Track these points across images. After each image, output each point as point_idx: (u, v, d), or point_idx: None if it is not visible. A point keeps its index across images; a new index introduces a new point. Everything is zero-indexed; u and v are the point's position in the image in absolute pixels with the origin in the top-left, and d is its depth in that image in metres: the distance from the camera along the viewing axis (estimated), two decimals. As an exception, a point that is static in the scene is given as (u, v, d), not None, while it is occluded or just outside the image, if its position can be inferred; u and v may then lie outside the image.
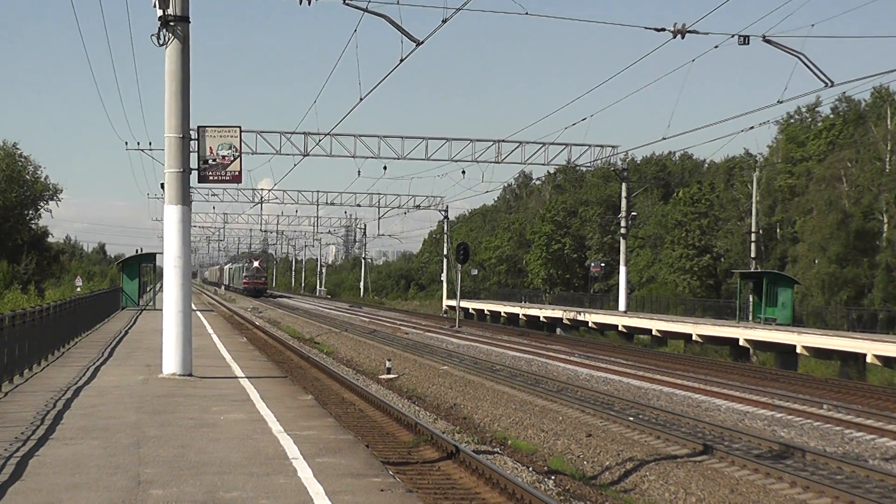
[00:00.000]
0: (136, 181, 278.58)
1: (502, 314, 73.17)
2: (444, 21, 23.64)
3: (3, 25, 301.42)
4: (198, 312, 49.82)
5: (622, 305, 58.89)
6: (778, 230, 71.52)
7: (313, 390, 25.10)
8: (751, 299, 52.30)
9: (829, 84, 29.90)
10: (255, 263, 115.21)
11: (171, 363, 19.04)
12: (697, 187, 79.20)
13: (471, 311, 78.81)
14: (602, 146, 57.46)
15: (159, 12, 18.53)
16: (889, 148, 61.62)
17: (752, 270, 56.81)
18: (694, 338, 47.37)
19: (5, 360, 17.36)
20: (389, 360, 33.99)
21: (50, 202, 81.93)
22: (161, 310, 19.72)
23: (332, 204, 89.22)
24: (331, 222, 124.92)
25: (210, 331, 36.54)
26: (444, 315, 78.89)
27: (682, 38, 30.45)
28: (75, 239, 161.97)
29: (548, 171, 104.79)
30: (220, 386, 18.39)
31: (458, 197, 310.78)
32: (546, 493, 13.92)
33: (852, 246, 59.89)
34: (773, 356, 42.94)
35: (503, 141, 56.21)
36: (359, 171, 61.98)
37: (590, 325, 58.21)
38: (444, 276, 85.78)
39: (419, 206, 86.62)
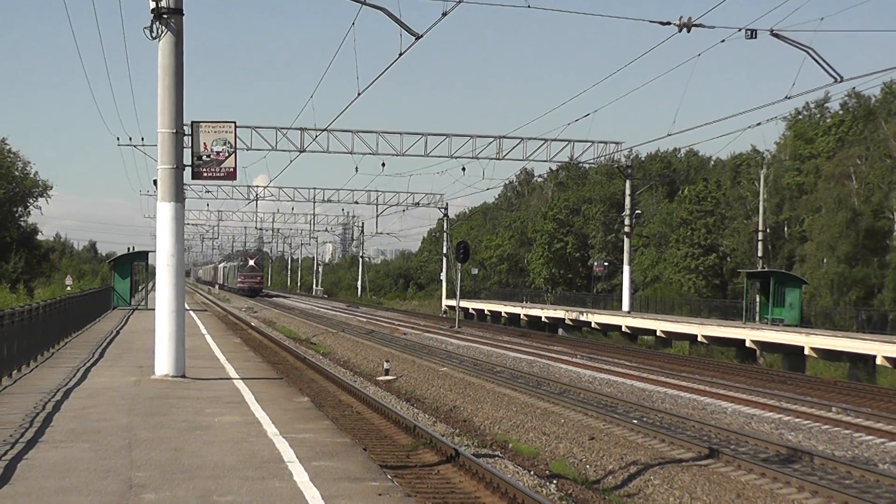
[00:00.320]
0: (128, 178, 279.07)
1: (503, 314, 73.15)
2: (444, 14, 23.66)
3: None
4: (191, 312, 49.81)
5: (626, 306, 58.89)
6: (786, 229, 71.55)
7: (309, 392, 25.10)
8: (758, 299, 52.28)
9: (839, 79, 29.91)
10: (251, 262, 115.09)
11: (163, 364, 19.03)
12: (703, 185, 79.22)
13: (471, 311, 78.80)
14: (606, 142, 57.53)
15: (152, 4, 18.52)
16: (899, 145, 61.64)
17: (759, 270, 56.78)
18: (699, 339, 47.35)
19: (-6, 361, 17.35)
20: (387, 361, 33.99)
21: (39, 199, 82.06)
22: (153, 309, 19.71)
23: (329, 201, 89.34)
24: (328, 220, 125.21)
25: (204, 331, 36.54)
26: (444, 315, 78.88)
27: (688, 31, 30.45)
28: (65, 237, 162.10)
29: (550, 168, 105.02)
30: (214, 387, 18.38)
31: (458, 194, 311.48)
32: (548, 498, 13.92)
33: (862, 245, 59.89)
34: (780, 358, 42.93)
35: (504, 137, 56.25)
36: (356, 168, 61.87)
37: (593, 325, 58.20)
38: (443, 276, 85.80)
39: (418, 203, 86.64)
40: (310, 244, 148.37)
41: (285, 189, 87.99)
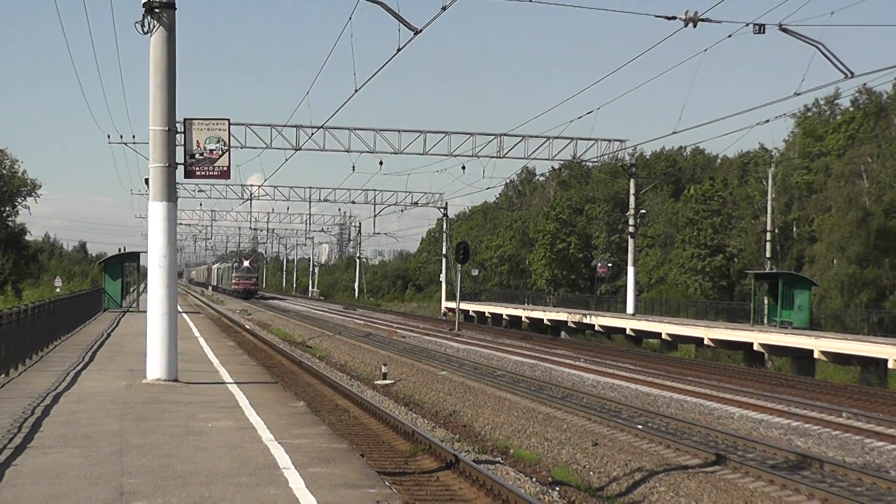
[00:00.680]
0: (118, 176, 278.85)
1: (504, 317, 73.16)
2: (444, 8, 23.65)
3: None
4: (184, 315, 49.83)
5: (630, 308, 58.89)
6: (794, 229, 71.57)
7: (305, 396, 25.11)
8: (766, 301, 52.30)
9: (849, 75, 29.91)
10: (246, 263, 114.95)
11: (155, 368, 19.04)
12: (710, 184, 79.25)
13: (471, 313, 78.80)
14: (609, 140, 57.50)
15: (144, -2, 18.54)
16: (911, 142, 61.68)
17: (767, 271, 56.80)
18: (706, 342, 47.35)
19: (-19, 365, 17.35)
20: (385, 364, 34.00)
21: (28, 198, 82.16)
22: (145, 312, 19.71)
23: (326, 201, 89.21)
24: (324, 220, 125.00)
25: (197, 334, 36.55)
26: (443, 317, 78.88)
27: (695, 26, 30.47)
28: (55, 237, 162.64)
29: (552, 167, 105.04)
30: (207, 392, 18.39)
31: (458, 193, 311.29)
32: (550, 506, 13.91)
33: (873, 245, 59.89)
34: (789, 361, 42.93)
35: (505, 135, 56.23)
36: (353, 167, 62.18)
37: (596, 328, 58.20)
38: (443, 277, 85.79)
39: (417, 203, 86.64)
40: (306, 245, 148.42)
41: (280, 188, 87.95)
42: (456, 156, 56.77)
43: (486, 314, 77.34)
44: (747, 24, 31.07)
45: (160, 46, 18.68)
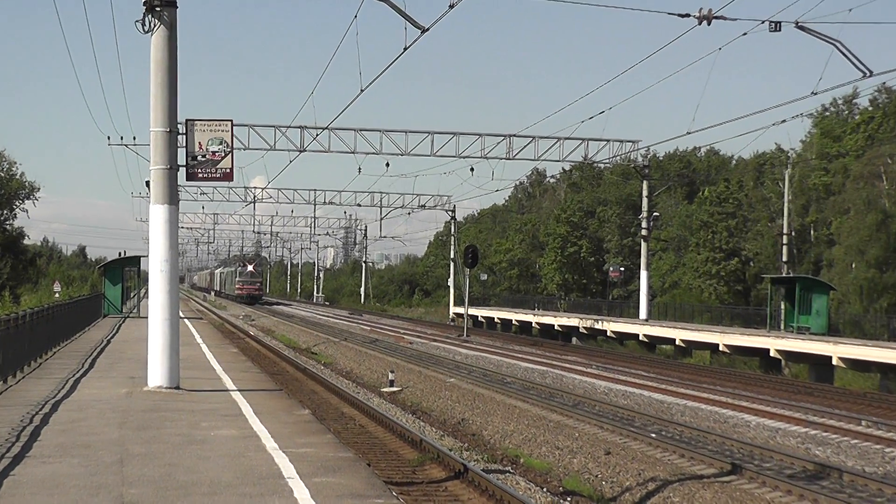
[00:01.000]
0: (119, 179, 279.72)
1: (514, 322, 73.15)
2: (452, 6, 23.64)
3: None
4: (186, 320, 49.87)
5: (643, 313, 58.85)
6: (812, 232, 71.43)
7: (310, 404, 25.13)
8: (783, 307, 52.22)
9: (868, 73, 29.88)
10: (250, 267, 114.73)
11: (156, 375, 19.04)
12: (725, 185, 79.16)
13: (480, 318, 78.81)
14: (622, 141, 57.48)
15: (144, -4, 18.56)
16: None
17: (783, 275, 56.70)
18: (721, 348, 47.30)
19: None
20: (392, 371, 34.01)
21: (26, 201, 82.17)
22: (146, 317, 19.72)
23: (331, 203, 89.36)
24: (329, 223, 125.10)
25: (199, 340, 36.58)
26: (452, 323, 78.91)
27: (709, 24, 30.45)
28: (53, 241, 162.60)
29: (563, 168, 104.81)
30: (209, 399, 18.40)
31: (466, 196, 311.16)
32: (562, 516, 13.91)
33: (893, 249, 59.74)
34: (806, 368, 42.86)
35: (515, 135, 56.25)
36: (359, 168, 62.18)
37: (608, 334, 58.17)
38: (451, 282, 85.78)
39: (424, 205, 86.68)
40: (310, 248, 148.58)
41: (284, 191, 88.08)
42: (464, 157, 56.81)
43: (496, 320, 77.34)
44: (763, 22, 31.06)
45: (161, 46, 18.69)
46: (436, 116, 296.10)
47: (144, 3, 18.58)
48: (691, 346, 50.80)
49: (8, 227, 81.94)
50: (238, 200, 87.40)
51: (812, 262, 69.59)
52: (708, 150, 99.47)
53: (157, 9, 18.57)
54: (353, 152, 55.76)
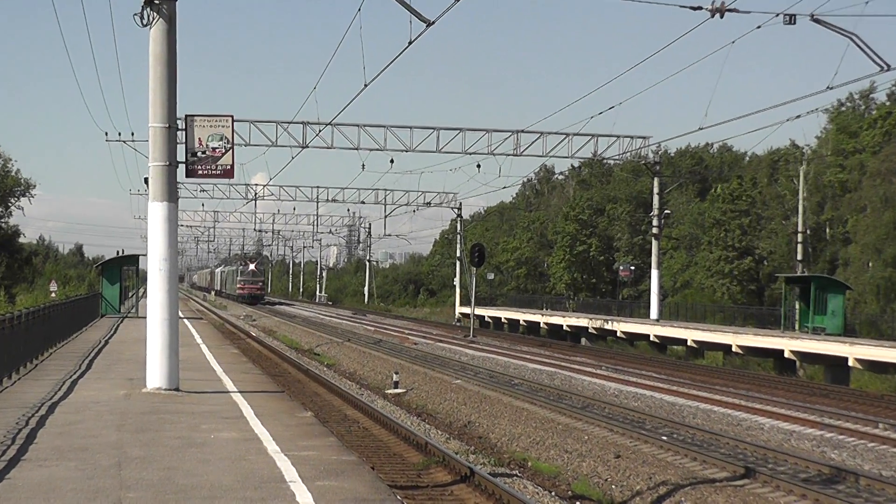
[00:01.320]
0: (117, 176, 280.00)
1: (521, 322, 73.15)
2: (458, -1, 23.61)
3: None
4: (185, 320, 49.93)
5: (654, 313, 58.82)
6: (827, 230, 71.37)
7: (313, 406, 25.15)
8: (797, 306, 52.19)
9: (885, 68, 29.86)
10: (251, 266, 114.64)
11: (155, 376, 19.06)
12: (738, 182, 79.12)
13: (486, 319, 78.81)
14: (632, 137, 57.45)
15: (143, -11, 18.57)
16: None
17: (798, 274, 56.66)
18: (734, 349, 47.26)
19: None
20: (397, 373, 34.03)
21: (22, 199, 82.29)
22: (145, 318, 19.74)
23: (334, 201, 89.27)
24: (332, 221, 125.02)
25: (199, 340, 36.62)
26: (458, 324, 78.93)
27: (721, 17, 30.42)
28: (49, 239, 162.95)
29: (572, 165, 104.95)
30: (210, 401, 18.42)
31: (473, 193, 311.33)
32: (570, 521, 13.91)
33: (910, 247, 59.70)
34: (822, 370, 42.81)
35: (522, 131, 56.24)
36: (363, 165, 62.39)
37: (618, 334, 58.14)
38: (456, 281, 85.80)
39: (429, 203, 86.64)
40: (313, 247, 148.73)
41: (286, 188, 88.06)
42: (470, 153, 56.83)
43: (503, 320, 77.33)
44: (777, 15, 31.06)
45: (160, 39, 18.71)
46: (441, 112, 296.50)
47: (143, -4, 18.60)
48: (703, 346, 50.76)
49: (3, 225, 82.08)
50: (239, 198, 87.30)
51: (827, 261, 69.52)
52: (720, 146, 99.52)
53: (156, 2, 18.59)
54: (356, 148, 55.79)
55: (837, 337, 45.56)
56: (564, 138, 56.16)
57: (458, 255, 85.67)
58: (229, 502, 10.29)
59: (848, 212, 67.39)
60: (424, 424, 24.46)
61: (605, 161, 77.53)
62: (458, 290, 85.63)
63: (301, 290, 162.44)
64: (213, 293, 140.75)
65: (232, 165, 19.76)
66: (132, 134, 59.80)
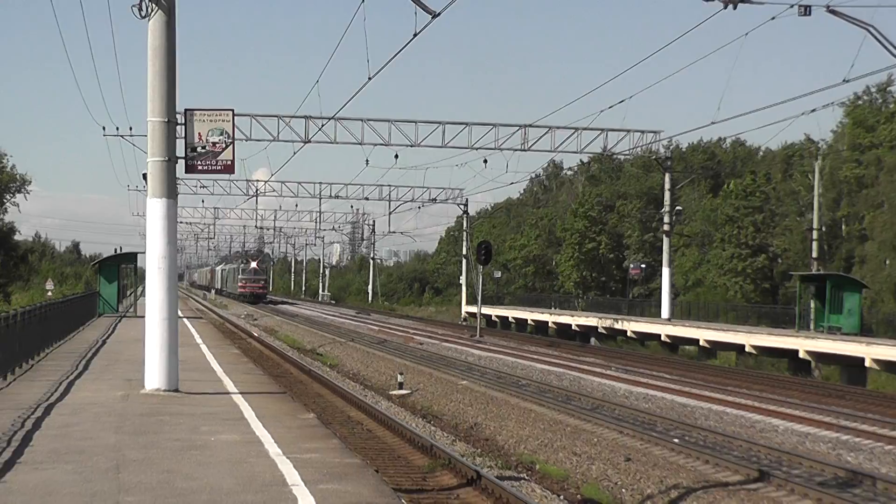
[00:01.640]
0: (115, 171, 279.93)
1: (529, 322, 73.15)
2: (464, -11, 23.60)
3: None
4: (185, 320, 49.98)
5: (665, 312, 58.81)
6: (843, 227, 71.27)
7: (316, 408, 25.16)
8: (812, 305, 52.14)
9: (903, 60, 29.78)
10: (253, 264, 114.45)
11: (154, 377, 19.07)
12: (751, 178, 79.02)
13: (493, 318, 78.83)
14: (643, 132, 57.48)
15: (141, -20, 18.57)
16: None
17: (813, 272, 56.59)
18: (747, 349, 47.24)
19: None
20: (401, 373, 34.05)
21: (17, 195, 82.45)
22: (143, 317, 19.75)
23: (337, 197, 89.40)
24: (335, 218, 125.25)
25: (199, 340, 36.65)
26: (464, 323, 78.95)
27: (734, 8, 30.41)
28: (46, 236, 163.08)
29: (581, 160, 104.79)
30: (210, 403, 18.43)
31: (479, 189, 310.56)
32: (580, 526, 13.91)
33: (929, 244, 59.63)
34: (838, 370, 42.78)
35: (530, 126, 56.25)
36: (367, 160, 61.79)
37: (628, 334, 58.13)
38: (463, 279, 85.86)
39: (435, 199, 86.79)
40: (315, 244, 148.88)
41: (288, 184, 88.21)
42: (477, 148, 56.85)
43: (510, 319, 77.35)
44: (792, 6, 31.02)
45: (159, 31, 18.71)
46: (447, 106, 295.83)
47: (141, -13, 18.59)
48: (716, 346, 50.74)
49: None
50: (240, 194, 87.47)
51: (843, 259, 69.41)
52: (733, 140, 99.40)
53: (155, -7, 18.58)
54: (360, 143, 55.85)
55: (854, 337, 45.51)
56: (573, 133, 56.17)
57: (464, 252, 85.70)
58: (230, 506, 10.30)
59: (864, 208, 67.28)
60: (430, 426, 24.46)
61: (615, 156, 77.33)
62: (464, 288, 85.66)
63: (303, 288, 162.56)
64: (213, 292, 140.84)
65: (232, 161, 19.76)
66: (130, 128, 59.96)
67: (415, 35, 26.17)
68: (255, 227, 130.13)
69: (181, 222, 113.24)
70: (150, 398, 18.59)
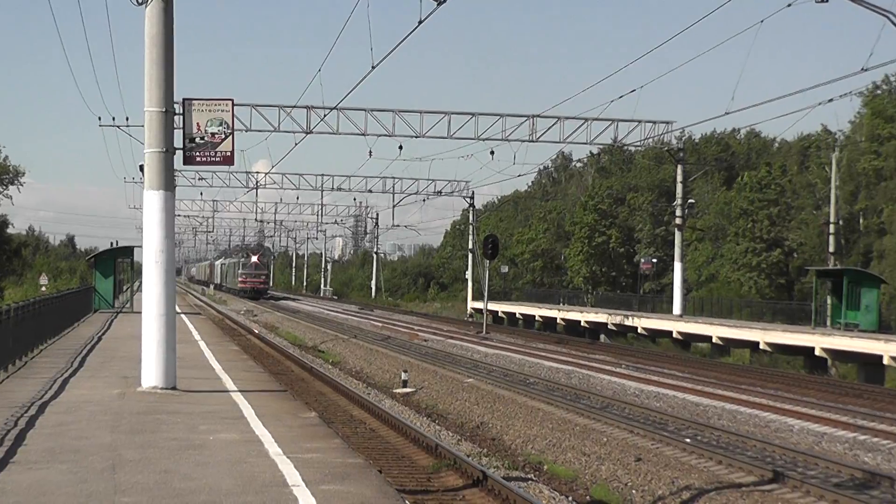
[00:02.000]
0: (110, 163, 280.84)
1: (537, 318, 73.13)
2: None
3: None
4: (183, 316, 50.00)
5: (677, 308, 58.78)
6: (861, 220, 71.23)
7: (317, 406, 25.18)
8: (829, 301, 52.11)
9: (923, 48, 29.71)
10: (254, 258, 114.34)
11: (151, 375, 19.09)
12: (766, 170, 78.99)
13: (500, 314, 78.82)
14: (654, 122, 57.41)
15: (138, -34, 18.57)
16: None
17: (830, 268, 56.55)
18: (762, 346, 47.20)
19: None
20: (405, 371, 34.06)
21: (10, 187, 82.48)
22: (140, 313, 19.77)
23: (339, 189, 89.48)
24: (337, 211, 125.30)
25: (197, 337, 36.68)
26: (470, 319, 78.96)
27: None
28: (40, 230, 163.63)
29: (590, 152, 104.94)
30: (208, 401, 18.44)
31: (486, 181, 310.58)
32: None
33: (949, 239, 59.58)
34: (855, 368, 42.76)
35: (539, 116, 56.20)
36: (370, 152, 61.81)
37: (639, 330, 58.10)
38: (469, 274, 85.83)
39: (440, 192, 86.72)
40: (317, 238, 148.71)
41: (289, 175, 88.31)
42: (484, 139, 56.83)
43: (517, 315, 77.35)
44: (808, -8, 30.91)
45: (156, 19, 18.70)
46: (453, 96, 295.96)
47: (137, -27, 18.58)
48: (729, 344, 50.71)
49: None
50: (239, 186, 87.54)
51: (861, 254, 69.38)
52: (748, 131, 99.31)
53: (152, -21, 18.57)
54: (363, 134, 55.84)
55: (871, 333, 45.46)
56: (583, 123, 56.12)
57: (470, 246, 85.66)
58: (229, 507, 10.31)
59: (883, 201, 67.21)
60: (435, 425, 24.47)
61: (625, 147, 77.41)
62: (470, 283, 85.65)
63: (305, 283, 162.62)
64: (212, 287, 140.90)
65: (232, 152, 19.75)
66: (127, 119, 59.84)
67: (420, 22, 26.22)
68: (256, 220, 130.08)
69: (179, 215, 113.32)
70: (147, 396, 18.61)
